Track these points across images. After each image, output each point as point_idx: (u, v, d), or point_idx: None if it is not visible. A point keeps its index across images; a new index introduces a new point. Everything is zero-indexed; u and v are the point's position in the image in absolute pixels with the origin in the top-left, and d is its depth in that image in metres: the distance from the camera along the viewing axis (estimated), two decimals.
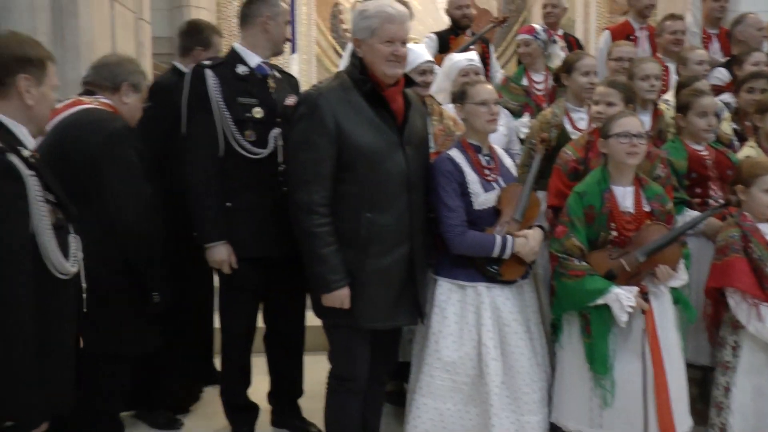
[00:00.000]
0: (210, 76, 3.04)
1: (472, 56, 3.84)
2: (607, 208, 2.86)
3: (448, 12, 5.51)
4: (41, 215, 1.86)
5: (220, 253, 3.05)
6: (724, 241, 3.02)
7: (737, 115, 4.01)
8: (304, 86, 9.49)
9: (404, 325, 3.00)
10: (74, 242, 2.01)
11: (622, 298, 2.75)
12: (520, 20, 12.11)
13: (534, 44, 4.68)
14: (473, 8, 5.62)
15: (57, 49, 5.59)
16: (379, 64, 2.64)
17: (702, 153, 3.42)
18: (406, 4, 5.93)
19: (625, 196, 2.91)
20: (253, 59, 3.16)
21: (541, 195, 3.35)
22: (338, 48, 10.85)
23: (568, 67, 3.73)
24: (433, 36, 5.22)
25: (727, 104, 4.17)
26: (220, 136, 3.03)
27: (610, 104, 3.18)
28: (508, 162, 3.10)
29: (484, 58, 5.14)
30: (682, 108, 3.44)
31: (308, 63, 10.36)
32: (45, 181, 1.92)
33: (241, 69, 3.12)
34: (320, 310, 2.77)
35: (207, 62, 3.12)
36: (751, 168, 3.10)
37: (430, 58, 3.45)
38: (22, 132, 1.95)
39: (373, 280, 2.69)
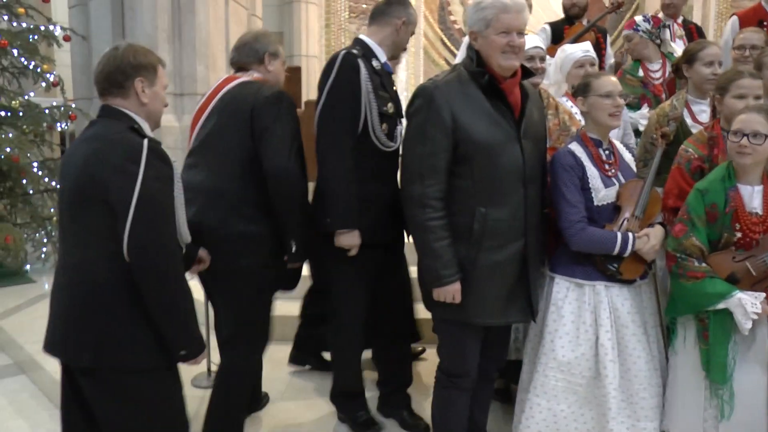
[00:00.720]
0: (362, 66, 3.11)
1: (587, 47, 3.74)
2: (732, 208, 2.70)
3: (562, 2, 5.41)
4: (180, 196, 2.27)
5: (354, 238, 3.12)
6: None
7: None
8: (411, 78, 9.57)
9: (516, 322, 2.96)
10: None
11: (747, 303, 2.58)
12: (633, 6, 11.69)
13: (636, 37, 4.51)
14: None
15: (175, 45, 5.88)
16: (495, 55, 2.59)
17: None
18: None
19: (753, 196, 2.74)
20: (382, 56, 3.23)
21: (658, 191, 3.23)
22: (446, 40, 10.82)
23: (689, 58, 3.53)
24: (547, 27, 5.13)
25: None
26: (360, 126, 3.11)
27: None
28: (627, 157, 3.02)
29: (599, 47, 5.01)
30: None
31: (416, 55, 10.38)
32: None
33: (375, 63, 3.19)
34: (431, 304, 2.76)
35: (356, 51, 3.15)
36: None
37: (539, 44, 3.39)
38: (145, 126, 2.29)
39: (486, 276, 2.65)
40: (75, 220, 2.17)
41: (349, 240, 3.12)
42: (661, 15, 5.09)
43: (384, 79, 3.19)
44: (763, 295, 2.63)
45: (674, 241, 2.76)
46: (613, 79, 2.90)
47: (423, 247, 2.66)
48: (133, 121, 2.24)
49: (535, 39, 3.42)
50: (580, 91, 2.91)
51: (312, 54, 9.70)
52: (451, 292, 2.63)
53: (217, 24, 6.12)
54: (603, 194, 2.81)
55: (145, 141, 2.15)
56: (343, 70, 3.09)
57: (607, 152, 2.89)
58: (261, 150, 2.90)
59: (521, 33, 2.61)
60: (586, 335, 2.77)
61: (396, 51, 3.29)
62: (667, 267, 2.81)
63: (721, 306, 2.62)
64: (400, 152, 2.83)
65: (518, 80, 2.69)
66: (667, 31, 4.71)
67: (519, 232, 2.67)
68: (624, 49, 4.88)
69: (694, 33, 5.21)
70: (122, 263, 2.09)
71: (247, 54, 3.19)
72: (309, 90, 9.30)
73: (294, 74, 8.95)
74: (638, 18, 4.63)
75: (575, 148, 2.86)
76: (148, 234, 2.09)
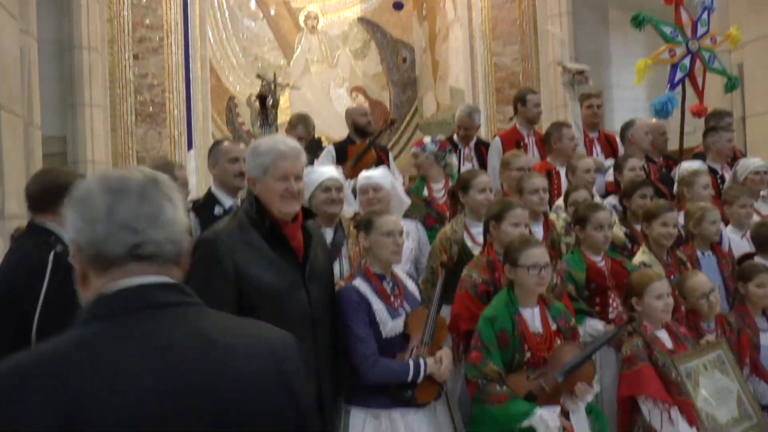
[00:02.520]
0: None
1: (332, 171, 3.63)
2: (519, 331, 2.90)
3: (353, 119, 5.53)
4: None
5: None
6: (630, 350, 3.11)
7: (626, 218, 4.20)
8: (202, 181, 9.27)
9: None
10: None
11: (548, 419, 2.76)
12: (411, 110, 12.54)
13: (422, 156, 4.76)
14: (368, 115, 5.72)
15: None
16: (275, 201, 2.57)
17: (599, 264, 3.53)
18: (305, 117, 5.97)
19: (533, 318, 2.97)
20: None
21: (445, 309, 3.35)
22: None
23: (463, 185, 3.80)
24: (331, 148, 5.24)
25: (614, 206, 4.38)
26: None
27: None
28: (411, 286, 3.10)
29: (382, 164, 5.19)
30: (579, 221, 3.55)
31: (205, 158, 10.22)
32: None
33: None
34: None
35: None
36: (639, 279, 3.25)
37: (334, 175, 3.42)
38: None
39: None
40: None
41: None
42: (455, 137, 5.46)
43: None
44: (558, 408, 2.83)
45: (473, 369, 2.88)
46: (394, 218, 3.00)
47: None
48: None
49: (331, 170, 3.47)
50: (363, 227, 2.97)
51: (98, 160, 9.20)
52: None
53: None
54: (390, 326, 2.85)
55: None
56: None
57: (390, 285, 2.96)
58: None
59: (299, 178, 2.61)
60: None
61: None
62: (470, 393, 2.91)
63: (525, 424, 2.77)
64: None
65: (300, 223, 2.68)
66: (454, 156, 5.05)
67: (311, 376, 2.58)
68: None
69: (484, 153, 5.65)
70: None
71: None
72: None
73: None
74: (426, 139, 4.91)
75: (359, 284, 2.89)
76: None
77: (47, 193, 2.31)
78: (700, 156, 5.33)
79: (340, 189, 3.42)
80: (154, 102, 9.75)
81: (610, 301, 3.50)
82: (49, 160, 8.15)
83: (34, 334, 1.90)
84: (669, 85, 5.57)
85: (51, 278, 1.94)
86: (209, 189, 3.82)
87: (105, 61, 9.50)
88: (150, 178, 1.27)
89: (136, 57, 9.68)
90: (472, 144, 5.66)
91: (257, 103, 6.37)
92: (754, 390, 3.39)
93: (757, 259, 3.87)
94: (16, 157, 6.57)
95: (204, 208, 3.58)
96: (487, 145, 5.87)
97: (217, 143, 3.92)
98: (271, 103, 7.70)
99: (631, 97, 9.46)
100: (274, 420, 1.29)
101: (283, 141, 2.63)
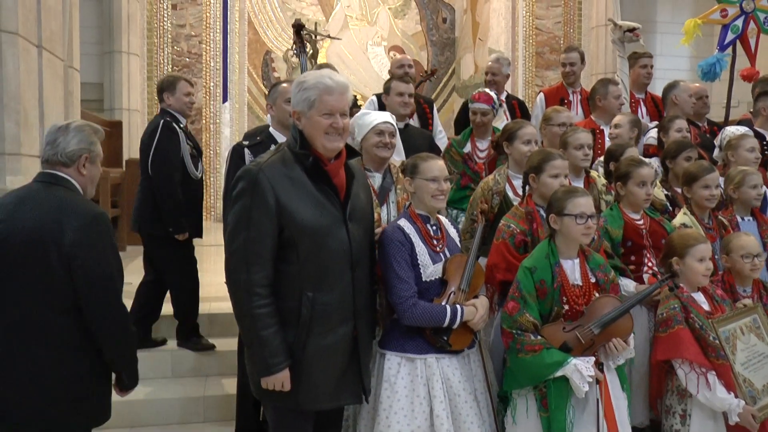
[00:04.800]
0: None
1: (387, 116, 3.56)
2: (559, 283, 2.88)
3: (391, 72, 5.53)
4: None
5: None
6: (666, 313, 3.07)
7: (667, 181, 4.12)
8: (235, 134, 9.35)
9: (349, 404, 2.89)
10: None
11: (582, 368, 2.76)
12: (449, 72, 12.41)
13: (490, 114, 4.58)
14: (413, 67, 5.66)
15: None
16: (319, 137, 2.56)
17: (638, 222, 3.46)
18: (331, 67, 5.98)
19: (573, 270, 2.94)
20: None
21: (482, 261, 3.34)
22: None
23: (508, 136, 3.75)
24: (374, 98, 5.20)
25: (655, 169, 4.29)
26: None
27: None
28: (452, 232, 3.09)
29: (426, 117, 5.14)
30: (621, 177, 3.48)
31: (240, 111, 10.26)
32: None
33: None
34: (261, 392, 2.63)
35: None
36: (681, 240, 3.18)
37: (388, 119, 3.40)
38: None
39: (316, 360, 2.58)
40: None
41: None
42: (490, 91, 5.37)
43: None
44: (593, 359, 2.82)
45: (509, 319, 2.87)
46: (440, 163, 2.97)
47: (250, 335, 2.54)
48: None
49: (385, 115, 3.43)
50: (408, 171, 2.96)
51: (134, 108, 9.27)
52: (281, 380, 2.52)
53: (30, 76, 5.63)
54: (431, 270, 2.86)
55: None
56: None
57: (434, 228, 2.95)
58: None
59: (344, 114, 2.59)
60: (420, 407, 2.77)
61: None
62: (504, 343, 2.91)
63: (559, 374, 2.77)
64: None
65: (343, 161, 2.67)
66: (502, 110, 4.98)
67: (348, 315, 2.62)
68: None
69: (516, 109, 5.57)
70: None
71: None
72: (131, 145, 8.84)
73: (115, 129, 8.49)
74: (493, 94, 4.67)
75: (404, 224, 2.89)
76: None
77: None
78: (746, 123, 5.18)
79: (393, 134, 3.38)
80: (191, 53, 9.77)
81: (645, 260, 3.44)
82: (86, 106, 8.23)
83: None
84: (718, 47, 5.39)
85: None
86: (267, 128, 3.92)
87: (143, 9, 9.53)
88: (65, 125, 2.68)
89: (174, 7, 9.69)
90: (503, 96, 5.55)
91: (294, 35, 6.37)
92: None
93: None
94: (56, 98, 6.62)
95: (261, 146, 3.65)
96: (519, 101, 5.80)
97: (275, 84, 3.98)
98: (311, 53, 7.68)
99: (674, 67, 9.27)
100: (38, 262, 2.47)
101: (330, 76, 2.60)
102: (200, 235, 4.69)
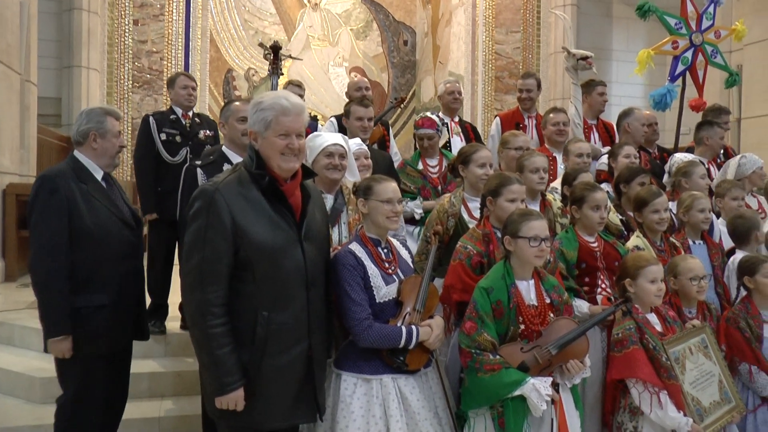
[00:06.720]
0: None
1: (338, 138, 3.59)
2: (515, 303, 2.93)
3: (348, 94, 5.59)
4: None
5: None
6: (622, 333, 3.14)
7: (620, 205, 4.23)
8: None
9: (303, 422, 2.87)
10: None
11: (540, 387, 2.80)
12: (409, 94, 12.52)
13: (436, 137, 4.82)
14: (371, 89, 5.74)
15: None
16: (275, 157, 2.58)
17: (592, 245, 3.54)
18: (299, 86, 6.04)
19: (528, 290, 2.99)
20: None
21: (437, 282, 3.37)
22: None
23: (463, 159, 3.81)
24: (333, 120, 5.26)
25: (607, 192, 4.40)
26: None
27: None
28: (404, 253, 3.12)
29: (384, 140, 5.22)
30: (576, 201, 3.56)
31: None
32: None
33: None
34: (216, 412, 2.60)
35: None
36: (634, 262, 3.27)
37: (338, 141, 3.42)
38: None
39: (271, 380, 2.58)
40: None
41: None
42: (440, 113, 5.47)
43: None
44: (551, 379, 2.86)
45: (467, 338, 2.90)
46: (394, 185, 3.00)
47: (205, 355, 2.53)
48: None
49: (335, 136, 3.46)
50: (362, 192, 2.98)
51: None
52: (234, 399, 2.52)
53: None
54: (384, 291, 2.88)
55: None
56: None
57: (385, 251, 2.98)
58: None
59: (300, 135, 2.62)
60: (376, 427, 2.77)
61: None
62: (463, 362, 2.94)
63: (517, 393, 2.80)
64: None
65: (299, 181, 2.69)
66: (445, 129, 5.08)
67: (303, 334, 2.63)
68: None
69: (470, 132, 5.67)
70: None
71: None
72: None
73: (72, 145, 8.30)
74: (436, 118, 4.89)
75: (356, 248, 2.91)
76: None
77: None
78: (689, 150, 5.37)
79: (343, 156, 3.41)
80: (152, 69, 9.69)
81: (599, 282, 3.52)
82: (43, 120, 8.08)
83: None
84: (669, 77, 5.58)
85: None
86: (220, 147, 3.94)
87: (104, 24, 9.43)
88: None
89: (136, 23, 9.61)
90: (456, 119, 5.70)
91: (271, 56, 6.46)
92: (756, 382, 3.46)
93: (739, 252, 3.93)
94: (12, 113, 6.51)
95: (214, 166, 3.67)
96: (471, 125, 5.95)
97: (228, 102, 4.03)
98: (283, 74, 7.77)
99: (628, 94, 9.52)
100: None
101: (286, 97, 2.62)
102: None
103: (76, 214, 3.14)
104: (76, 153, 3.34)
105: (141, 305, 3.51)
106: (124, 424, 3.82)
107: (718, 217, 4.41)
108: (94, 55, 9.16)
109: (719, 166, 5.22)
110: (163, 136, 4.97)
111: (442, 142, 4.97)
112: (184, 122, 5.11)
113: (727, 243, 4.20)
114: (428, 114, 4.97)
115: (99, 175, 3.32)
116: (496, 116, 6.08)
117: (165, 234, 4.88)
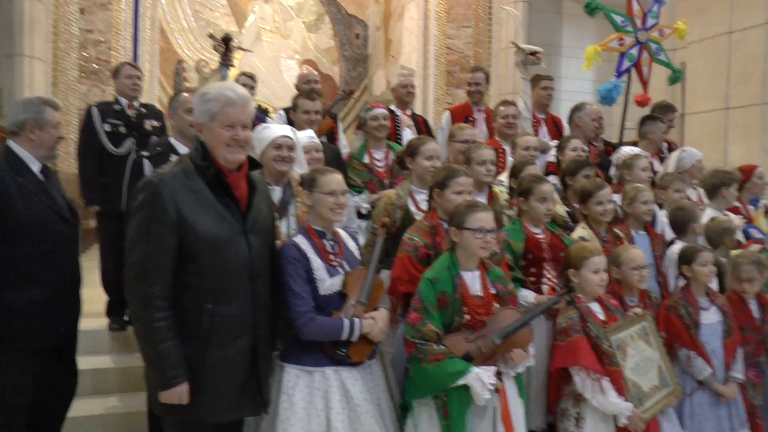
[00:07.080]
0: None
1: (286, 130, 3.54)
2: (460, 294, 2.95)
3: (297, 86, 5.56)
4: None
5: None
6: (565, 322, 3.21)
7: (566, 197, 4.31)
8: None
9: (248, 416, 2.88)
10: None
11: (484, 377, 2.83)
12: (361, 87, 12.51)
13: (388, 118, 4.84)
14: (320, 82, 5.72)
15: None
16: (220, 148, 2.56)
17: (539, 236, 3.60)
18: (252, 77, 5.98)
19: (473, 281, 3.02)
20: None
21: (385, 273, 3.39)
22: None
23: (411, 151, 3.82)
24: (282, 112, 5.23)
25: (554, 185, 4.48)
26: None
27: None
28: (351, 245, 3.12)
29: (332, 132, 5.21)
30: (523, 192, 3.62)
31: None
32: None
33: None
34: (160, 407, 2.58)
35: None
36: (578, 252, 3.34)
37: (287, 133, 3.40)
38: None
39: (215, 373, 2.56)
40: None
41: None
42: (392, 106, 5.49)
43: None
44: (494, 368, 2.90)
45: (412, 329, 2.92)
46: (339, 177, 3.00)
47: (148, 348, 2.49)
48: None
49: (284, 128, 3.44)
50: (307, 184, 2.97)
51: None
52: (179, 394, 2.50)
53: None
54: (328, 284, 2.88)
55: None
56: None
57: (331, 243, 2.97)
58: None
59: (246, 126, 2.60)
60: (318, 419, 2.77)
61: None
62: (408, 353, 2.96)
63: (461, 382, 2.83)
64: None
65: (245, 173, 2.67)
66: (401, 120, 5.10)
67: (248, 327, 2.62)
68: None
69: (422, 125, 5.71)
70: None
71: None
72: None
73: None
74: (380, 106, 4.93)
75: (300, 240, 2.90)
76: None
77: None
78: (634, 145, 5.50)
79: (291, 148, 3.39)
80: (99, 59, 9.44)
81: (545, 272, 3.58)
82: None
83: None
84: (616, 73, 5.70)
85: None
86: (167, 138, 3.90)
87: (49, 12, 9.14)
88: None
89: (82, 11, 9.34)
90: (408, 112, 5.74)
91: (222, 47, 6.40)
92: (694, 366, 3.57)
93: (678, 243, 4.04)
94: None
95: (161, 157, 3.63)
96: (423, 118, 5.98)
97: (176, 93, 4.02)
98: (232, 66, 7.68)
99: (578, 89, 9.67)
100: None
101: (232, 89, 2.60)
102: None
103: (10, 207, 3.06)
104: (11, 143, 3.24)
105: (77, 300, 3.41)
106: (67, 423, 3.76)
107: (661, 208, 4.53)
108: (38, 44, 8.86)
109: (662, 160, 5.37)
110: (107, 127, 4.89)
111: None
112: (128, 113, 5.01)
113: (670, 234, 4.32)
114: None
115: (36, 167, 3.23)
116: (446, 110, 6.13)
117: (113, 227, 4.77)
